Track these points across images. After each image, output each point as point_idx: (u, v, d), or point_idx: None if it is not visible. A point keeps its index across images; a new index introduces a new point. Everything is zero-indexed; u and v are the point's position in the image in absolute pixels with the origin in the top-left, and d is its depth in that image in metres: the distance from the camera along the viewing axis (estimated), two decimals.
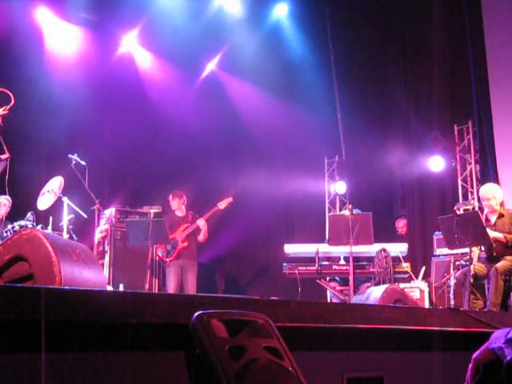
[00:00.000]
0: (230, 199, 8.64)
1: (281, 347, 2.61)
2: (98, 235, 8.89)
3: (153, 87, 10.94)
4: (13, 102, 5.68)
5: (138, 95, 10.66)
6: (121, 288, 8.23)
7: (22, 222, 7.98)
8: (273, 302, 3.16)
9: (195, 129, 10.49)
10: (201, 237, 8.55)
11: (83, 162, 8.17)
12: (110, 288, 8.09)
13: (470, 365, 2.54)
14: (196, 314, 2.48)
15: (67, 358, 2.37)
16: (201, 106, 10.94)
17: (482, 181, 9.32)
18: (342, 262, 8.34)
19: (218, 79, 11.76)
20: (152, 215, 8.14)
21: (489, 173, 9.53)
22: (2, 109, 5.66)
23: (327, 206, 11.48)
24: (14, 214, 8.02)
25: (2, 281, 3.70)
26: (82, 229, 8.58)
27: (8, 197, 7.75)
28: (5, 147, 5.74)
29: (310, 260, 8.32)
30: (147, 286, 7.98)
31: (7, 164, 5.96)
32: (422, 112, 10.96)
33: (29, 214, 8.10)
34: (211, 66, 11.82)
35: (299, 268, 8.19)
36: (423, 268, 8.99)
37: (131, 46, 11.11)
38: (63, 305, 2.32)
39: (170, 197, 8.75)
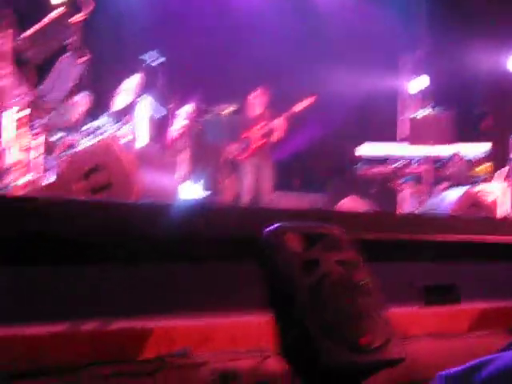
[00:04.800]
0: (310, 100, 8.48)
1: (355, 260, 2.63)
2: (174, 133, 8.94)
3: None
4: (92, 5, 5.67)
5: None
6: (201, 184, 8.40)
7: (102, 120, 8.21)
8: (348, 213, 3.19)
9: (273, 26, 10.22)
10: (276, 136, 8.55)
11: (160, 60, 8.11)
12: (189, 183, 8.29)
13: None
14: (269, 226, 2.53)
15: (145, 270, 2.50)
16: (278, 3, 10.61)
17: None
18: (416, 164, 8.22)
19: None
20: (228, 113, 8.23)
21: None
22: (80, 15, 5.64)
23: (401, 104, 11.21)
24: (94, 113, 7.95)
25: (83, 189, 3.85)
26: (159, 127, 8.59)
27: (87, 93, 7.61)
28: (85, 50, 5.80)
29: (384, 161, 8.25)
30: (226, 181, 8.19)
31: (87, 65, 6.07)
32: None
33: (106, 116, 8.39)
34: None
35: (373, 169, 8.16)
36: (503, 168, 8.77)
37: None
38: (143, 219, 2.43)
39: (251, 94, 8.69)
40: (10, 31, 5.20)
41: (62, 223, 2.27)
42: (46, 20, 5.49)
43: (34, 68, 5.82)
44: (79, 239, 2.32)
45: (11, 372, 2.09)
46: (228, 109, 8.45)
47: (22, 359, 2.14)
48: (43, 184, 4.57)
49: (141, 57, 8.04)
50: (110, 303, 2.42)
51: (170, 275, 2.57)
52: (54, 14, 5.49)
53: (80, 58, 5.81)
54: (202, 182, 8.45)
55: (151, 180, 3.98)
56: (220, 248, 2.64)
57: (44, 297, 2.34)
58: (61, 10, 5.52)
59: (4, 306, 2.22)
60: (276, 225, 2.54)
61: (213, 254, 2.62)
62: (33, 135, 6.83)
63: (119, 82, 8.09)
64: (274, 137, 8.58)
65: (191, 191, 8.06)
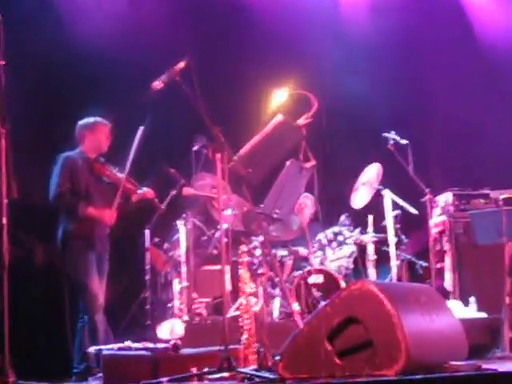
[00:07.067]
0: None
1: None
2: (432, 231, 7.53)
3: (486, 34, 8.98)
4: (316, 105, 5.23)
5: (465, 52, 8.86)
6: (471, 302, 6.77)
7: (336, 229, 7.43)
8: None
9: None
10: None
11: (404, 141, 7.09)
12: (455, 303, 6.81)
13: None
14: None
15: None
16: None
17: None
18: None
19: None
20: (503, 202, 6.66)
21: None
22: (304, 117, 5.17)
23: None
24: (326, 220, 7.49)
25: (335, 349, 3.37)
26: (412, 226, 7.60)
27: (310, 195, 7.08)
28: (310, 154, 5.38)
29: None
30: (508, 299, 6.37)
31: (314, 172, 5.67)
32: None
33: (343, 218, 7.54)
34: None
35: None
36: None
37: None
38: None
39: None
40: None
41: None
42: (264, 132, 4.99)
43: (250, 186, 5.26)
44: None
45: None
46: (502, 195, 6.77)
47: None
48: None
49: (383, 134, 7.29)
50: None
51: None
52: (272, 125, 5.00)
53: (305, 162, 5.32)
54: (474, 298, 6.82)
55: (419, 329, 3.36)
56: None
57: None
58: (280, 117, 5.05)
59: None
60: None
61: None
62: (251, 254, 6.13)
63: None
64: None
65: (461, 312, 6.40)
